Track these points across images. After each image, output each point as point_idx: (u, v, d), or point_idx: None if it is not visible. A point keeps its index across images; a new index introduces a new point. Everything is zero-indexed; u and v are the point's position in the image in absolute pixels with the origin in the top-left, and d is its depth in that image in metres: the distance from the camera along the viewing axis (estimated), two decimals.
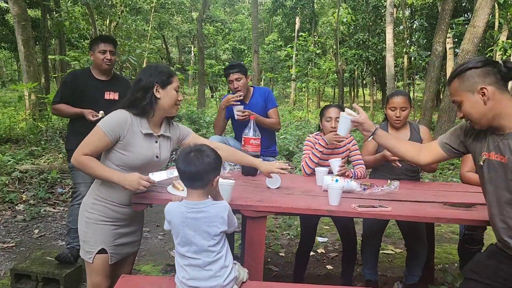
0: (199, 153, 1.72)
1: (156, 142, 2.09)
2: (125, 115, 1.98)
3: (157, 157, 2.09)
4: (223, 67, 23.58)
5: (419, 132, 2.99)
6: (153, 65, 2.13)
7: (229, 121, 3.55)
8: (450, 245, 4.18)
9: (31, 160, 6.24)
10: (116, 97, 3.26)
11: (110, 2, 15.13)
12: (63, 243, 3.88)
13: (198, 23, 16.62)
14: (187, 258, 1.71)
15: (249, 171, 2.85)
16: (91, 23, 14.63)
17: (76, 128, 3.20)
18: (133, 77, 19.23)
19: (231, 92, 3.44)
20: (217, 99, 20.62)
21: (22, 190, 5.11)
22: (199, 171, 1.68)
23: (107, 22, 16.74)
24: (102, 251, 2.03)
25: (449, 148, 2.00)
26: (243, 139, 2.87)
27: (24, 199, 4.89)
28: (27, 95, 8.47)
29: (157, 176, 2.07)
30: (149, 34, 23.26)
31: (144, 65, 20.86)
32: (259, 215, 2.06)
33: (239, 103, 3.26)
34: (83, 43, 20.13)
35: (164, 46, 30.05)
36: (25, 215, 4.49)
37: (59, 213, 4.68)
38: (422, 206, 2.26)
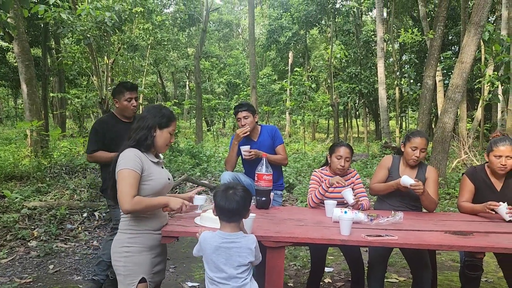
0: (236, 190, 1.95)
1: (162, 167, 2.40)
2: (137, 151, 2.23)
3: (169, 179, 2.38)
4: (219, 101, 23.95)
5: (425, 172, 3.19)
6: (158, 107, 2.40)
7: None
8: (451, 272, 4.33)
9: (39, 197, 6.37)
10: None
11: (109, 41, 15.61)
12: (79, 277, 4.00)
13: (196, 60, 17.12)
14: (217, 284, 1.91)
15: (263, 204, 3.05)
16: (91, 61, 15.03)
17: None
18: None
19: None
20: (214, 133, 20.92)
21: (32, 227, 5.23)
22: (239, 208, 1.92)
23: (106, 59, 17.19)
24: (141, 280, 2.20)
25: None
26: (256, 175, 3.08)
27: (35, 235, 5.01)
28: (30, 132, 8.67)
29: (198, 200, 2.38)
30: (145, 70, 23.77)
31: (141, 99, 21.25)
32: (279, 245, 2.26)
33: (248, 146, 3.49)
34: (82, 80, 20.55)
35: (159, 81, 30.60)
36: (38, 251, 4.60)
37: (71, 249, 4.80)
38: (425, 235, 2.47)
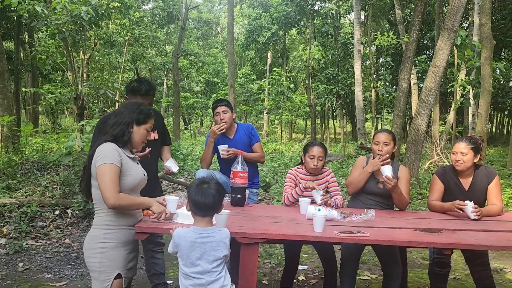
0: (210, 185, 1.97)
1: (138, 163, 2.39)
2: (114, 145, 2.22)
3: (144, 174, 2.38)
4: (197, 99, 23.82)
5: (397, 171, 3.26)
6: (136, 103, 2.40)
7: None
8: (421, 270, 4.44)
9: (9, 194, 6.20)
10: (156, 136, 3.25)
11: (85, 35, 15.32)
12: (50, 275, 3.93)
13: (174, 57, 16.98)
14: (192, 278, 1.91)
15: (238, 202, 3.06)
16: (66, 55, 14.72)
17: None
18: (106, 109, 19.23)
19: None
20: (191, 131, 20.80)
21: (2, 224, 5.09)
22: (214, 202, 1.93)
23: (81, 54, 16.86)
24: (117, 276, 2.19)
25: None
26: (231, 172, 3.09)
27: (5, 232, 4.87)
28: (1, 128, 8.44)
29: (170, 202, 2.42)
30: (122, 67, 23.42)
31: (117, 97, 20.94)
32: (253, 241, 2.27)
33: (226, 145, 3.49)
34: (56, 75, 20.09)
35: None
36: (7, 248, 4.48)
37: (41, 246, 4.70)
38: (395, 232, 2.53)
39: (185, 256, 1.93)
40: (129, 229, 2.27)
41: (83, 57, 14.29)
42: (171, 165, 3.24)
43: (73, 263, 4.31)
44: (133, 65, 27.30)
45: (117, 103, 20.63)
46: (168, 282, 3.79)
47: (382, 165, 3.08)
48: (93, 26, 10.08)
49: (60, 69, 16.96)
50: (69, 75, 13.62)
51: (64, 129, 16.81)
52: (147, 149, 3.02)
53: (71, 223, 5.50)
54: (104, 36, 19.72)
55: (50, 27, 8.64)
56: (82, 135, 6.70)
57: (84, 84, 12.32)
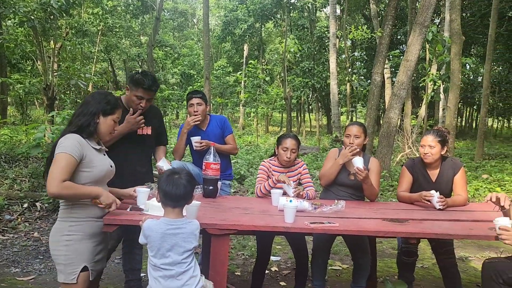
0: (181, 175, 1.95)
1: (104, 154, 2.35)
2: (80, 138, 2.18)
3: (111, 166, 2.34)
4: (173, 91, 23.55)
5: (368, 163, 3.32)
6: (103, 93, 2.35)
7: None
8: (390, 259, 4.56)
9: None
10: (149, 132, 3.15)
11: (56, 24, 14.87)
12: (17, 270, 3.83)
13: (149, 48, 16.71)
14: (162, 270, 1.90)
15: (210, 193, 3.06)
16: (35, 44, 14.27)
17: None
18: (78, 100, 18.78)
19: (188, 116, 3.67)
20: (167, 124, 20.58)
21: None
22: (185, 192, 1.92)
23: (52, 43, 16.37)
24: (83, 269, 2.16)
25: None
26: (204, 164, 3.08)
27: None
28: None
29: (141, 193, 2.41)
30: (95, 57, 22.90)
31: (90, 87, 20.45)
32: (223, 233, 2.28)
33: (199, 137, 3.46)
34: (25, 64, 19.45)
35: (110, 69, 29.59)
36: None
37: (9, 240, 4.57)
38: (364, 222, 2.58)
39: (155, 247, 1.92)
40: (95, 221, 2.23)
41: (53, 46, 13.88)
42: (164, 164, 3.10)
43: (41, 257, 4.22)
44: (107, 55, 26.69)
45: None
46: (141, 274, 3.76)
47: (352, 155, 3.13)
48: (64, 14, 9.75)
49: (29, 59, 16.43)
50: (39, 65, 13.22)
51: (34, 120, 16.36)
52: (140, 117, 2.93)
53: (40, 216, 5.38)
54: (76, 25, 19.21)
55: (19, 15, 8.33)
56: (52, 126, 6.53)
57: (54, 74, 11.99)
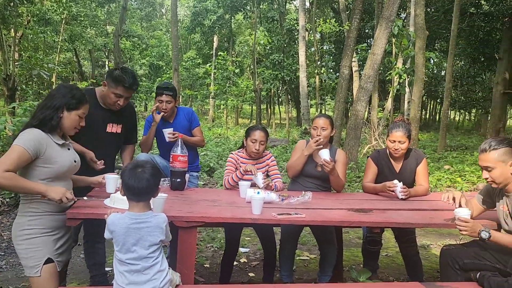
0: (144, 168, 1.92)
1: (69, 149, 2.30)
2: (40, 133, 2.13)
3: (75, 161, 2.30)
4: (141, 83, 23.04)
5: (334, 154, 3.37)
6: (69, 87, 2.29)
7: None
8: (357, 248, 4.68)
9: None
10: (119, 130, 3.02)
11: (16, 11, 14.25)
12: None
13: (115, 38, 16.31)
14: (127, 265, 1.87)
15: (177, 186, 3.04)
16: None
17: None
18: (41, 91, 18.13)
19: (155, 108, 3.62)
20: None
21: None
22: (149, 186, 1.89)
23: (12, 32, 15.70)
24: (48, 261, 2.14)
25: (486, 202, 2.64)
26: (171, 156, 3.05)
27: None
28: None
29: (110, 180, 2.42)
30: (59, 47, 22.13)
31: (54, 78, 19.78)
32: (190, 225, 2.27)
33: (171, 128, 3.41)
34: None
35: (75, 59, 28.69)
36: None
37: None
38: (330, 213, 2.64)
39: (120, 242, 1.88)
40: (55, 215, 2.21)
41: (14, 35, 13.34)
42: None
43: (3, 253, 4.08)
44: (71, 45, 25.84)
45: (53, 85, 19.50)
46: (107, 269, 3.71)
47: (318, 147, 3.17)
48: (25, 1, 9.38)
49: None
50: None
51: None
52: (100, 164, 2.79)
53: (1, 211, 5.19)
54: (37, 13, 18.46)
55: None
56: (13, 118, 6.29)
57: (15, 64, 11.52)
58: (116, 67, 2.95)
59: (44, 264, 2.13)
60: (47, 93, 2.42)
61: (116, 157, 3.50)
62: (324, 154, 3.09)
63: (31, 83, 18.92)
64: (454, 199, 2.49)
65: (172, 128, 3.44)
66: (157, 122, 3.44)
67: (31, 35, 17.79)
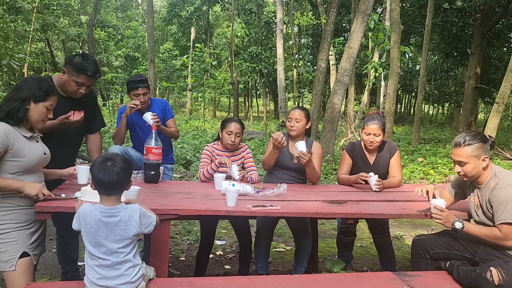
0: (114, 162, 1.87)
1: (37, 141, 2.26)
2: (6, 126, 2.08)
3: (45, 154, 2.26)
4: (117, 74, 22.66)
5: (310, 147, 3.38)
6: (36, 79, 2.24)
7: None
8: (332, 240, 4.73)
9: None
10: (82, 116, 2.82)
11: None
12: None
13: (89, 28, 15.92)
14: (97, 259, 1.83)
15: (152, 178, 2.99)
16: None
17: None
18: (12, 82, 17.57)
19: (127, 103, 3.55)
20: (110, 108, 19.84)
21: None
22: (119, 180, 1.85)
23: None
24: (23, 255, 2.12)
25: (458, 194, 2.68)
26: (145, 148, 3.00)
27: None
28: None
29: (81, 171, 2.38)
30: (30, 36, 21.44)
31: (25, 68, 19.16)
32: (164, 218, 2.24)
33: (150, 112, 3.28)
34: None
35: (48, 50, 27.88)
36: None
37: None
38: (305, 204, 2.65)
39: (90, 234, 1.84)
40: (29, 208, 2.18)
41: None
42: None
43: None
44: (44, 35, 25.10)
45: (25, 76, 18.91)
46: (79, 263, 3.64)
47: (279, 144, 3.13)
48: None
49: None
50: None
51: None
52: (79, 114, 2.70)
53: None
54: (7, 0, 17.81)
55: None
56: None
57: None
58: (76, 53, 2.84)
59: (19, 258, 2.11)
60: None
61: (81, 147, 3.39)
62: (301, 146, 3.10)
63: (1, 73, 18.31)
64: (427, 192, 2.54)
65: (151, 112, 3.33)
66: (128, 114, 3.35)
67: (1, 24, 17.16)
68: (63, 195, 2.29)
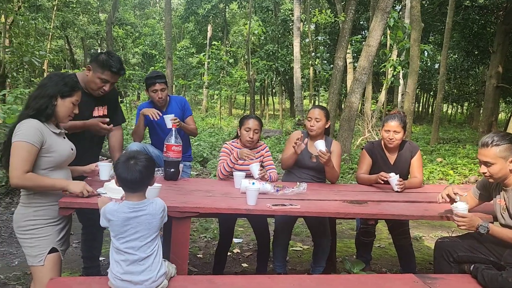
0: (137, 160, 1.90)
1: (64, 138, 2.31)
2: (38, 122, 2.12)
3: (72, 149, 2.30)
4: (134, 72, 22.87)
5: (330, 146, 3.35)
6: (60, 75, 2.28)
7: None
8: (349, 240, 4.69)
9: None
10: (105, 111, 2.98)
11: None
12: None
13: (108, 26, 16.09)
14: (124, 254, 1.86)
15: (171, 176, 3.01)
16: None
17: None
18: (32, 79, 17.88)
19: (149, 99, 3.56)
20: (127, 105, 20.05)
21: None
22: (141, 178, 1.88)
23: (2, 18, 15.41)
24: (52, 250, 2.16)
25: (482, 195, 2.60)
26: (165, 146, 3.01)
27: None
28: None
29: (103, 167, 2.39)
30: (50, 34, 21.80)
31: (45, 66, 19.50)
32: (184, 215, 2.25)
33: (172, 114, 3.31)
34: None
35: (67, 47, 28.31)
36: None
37: None
38: (325, 204, 2.62)
39: (118, 231, 1.86)
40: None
41: (4, 21, 13.11)
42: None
43: None
44: (63, 32, 25.48)
45: (45, 73, 19.25)
46: (101, 258, 3.69)
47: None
48: None
49: None
50: None
51: None
52: (108, 125, 2.81)
53: None
54: None
55: None
56: (4, 105, 6.19)
57: (6, 50, 11.32)
58: (101, 51, 2.89)
59: (48, 254, 2.15)
60: (38, 81, 2.40)
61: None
62: (320, 145, 3.08)
63: (22, 70, 18.66)
64: (448, 195, 2.48)
65: (174, 114, 3.35)
66: (145, 114, 3.36)
67: (22, 22, 17.47)
68: (103, 192, 2.30)
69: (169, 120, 3.22)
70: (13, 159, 2.01)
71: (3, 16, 15.17)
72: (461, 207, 2.34)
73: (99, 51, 30.60)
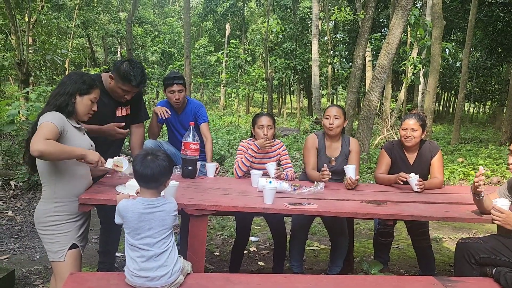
0: (155, 157, 1.93)
1: (84, 134, 2.34)
2: (61, 114, 2.17)
3: (91, 145, 2.33)
4: (153, 70, 23.06)
5: (348, 144, 3.32)
6: (79, 73, 2.33)
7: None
8: (367, 240, 4.64)
9: None
10: (128, 111, 3.02)
11: None
12: None
13: (128, 24, 16.26)
14: (139, 250, 1.88)
15: (189, 173, 3.02)
16: (8, 18, 13.71)
17: None
18: (54, 77, 18.23)
19: (164, 98, 3.59)
20: (146, 103, 20.26)
21: None
22: (155, 174, 1.90)
23: (26, 17, 15.74)
24: (72, 246, 2.19)
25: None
26: (183, 143, 3.03)
27: None
28: None
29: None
30: (72, 32, 22.18)
31: (67, 64, 19.83)
32: (202, 213, 2.26)
33: (215, 163, 3.34)
34: None
35: (88, 45, 28.77)
36: None
37: None
38: (343, 204, 2.60)
39: (132, 227, 1.89)
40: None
41: (28, 20, 13.39)
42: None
43: (16, 236, 4.13)
44: (84, 31, 25.91)
45: (67, 71, 19.58)
46: (118, 254, 3.74)
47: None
48: None
49: (2, 32, 15.82)
50: (12, 39, 12.73)
51: (8, 96, 15.85)
52: (125, 128, 2.87)
53: (14, 195, 5.25)
54: None
55: None
56: (27, 103, 6.33)
57: (29, 49, 11.57)
58: (124, 59, 2.90)
59: (68, 250, 2.18)
60: (60, 79, 2.45)
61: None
62: (350, 171, 2.99)
63: (44, 68, 19.05)
64: (476, 186, 2.42)
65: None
66: (155, 112, 3.41)
67: (45, 21, 17.82)
68: (123, 172, 2.38)
69: (210, 168, 3.26)
70: (34, 135, 1.99)
71: (26, 15, 15.50)
72: (501, 202, 2.30)
73: (119, 49, 31.03)
